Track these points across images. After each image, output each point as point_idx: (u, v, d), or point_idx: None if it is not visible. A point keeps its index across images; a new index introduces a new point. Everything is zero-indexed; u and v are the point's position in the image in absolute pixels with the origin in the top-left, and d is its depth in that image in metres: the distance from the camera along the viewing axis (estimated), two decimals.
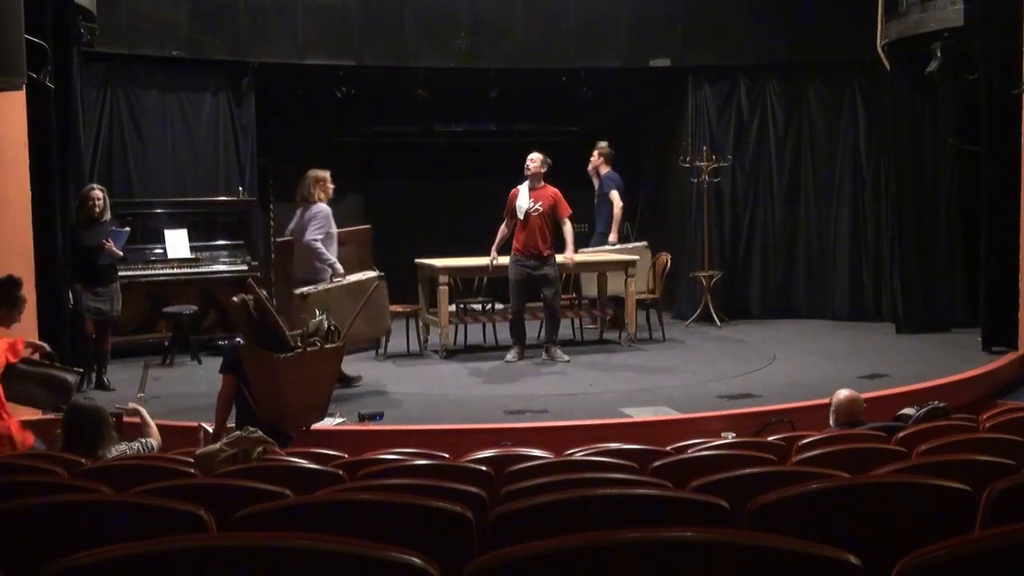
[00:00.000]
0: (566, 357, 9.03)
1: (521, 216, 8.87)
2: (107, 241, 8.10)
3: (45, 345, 6.15)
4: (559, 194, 9.07)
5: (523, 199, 8.95)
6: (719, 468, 3.25)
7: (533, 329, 9.50)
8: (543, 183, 9.02)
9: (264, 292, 5.93)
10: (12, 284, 5.99)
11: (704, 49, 11.61)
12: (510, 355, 9.04)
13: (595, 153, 11.10)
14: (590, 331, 10.41)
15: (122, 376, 8.06)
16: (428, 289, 9.65)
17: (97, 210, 8.07)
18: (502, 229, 9.12)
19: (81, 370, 6.44)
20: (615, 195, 10.67)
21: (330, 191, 8.14)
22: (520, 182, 9.08)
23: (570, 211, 9.12)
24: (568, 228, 9.10)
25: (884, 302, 11.20)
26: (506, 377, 8.53)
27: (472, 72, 11.48)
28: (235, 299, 5.74)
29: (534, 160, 9.00)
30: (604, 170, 10.97)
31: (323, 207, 7.96)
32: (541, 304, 9.17)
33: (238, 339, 5.91)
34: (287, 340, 5.78)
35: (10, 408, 5.65)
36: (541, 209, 8.87)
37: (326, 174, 8.14)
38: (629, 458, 3.82)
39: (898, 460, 3.53)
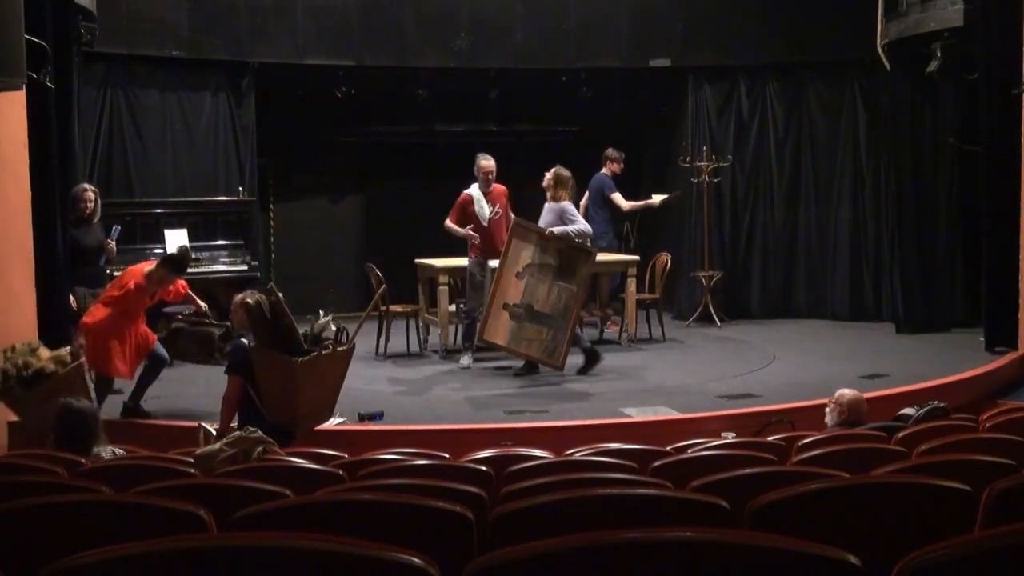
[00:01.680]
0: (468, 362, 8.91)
1: (485, 223, 8.77)
2: (110, 241, 8.06)
3: (203, 304, 7.39)
4: (506, 190, 9.06)
5: (482, 205, 8.83)
6: (719, 468, 3.24)
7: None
8: (492, 184, 8.97)
9: (280, 295, 5.90)
10: (187, 258, 7.24)
11: (704, 49, 11.61)
12: (466, 359, 8.83)
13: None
14: (587, 331, 10.41)
15: None
16: (428, 289, 9.65)
17: (89, 210, 8.03)
18: (458, 229, 8.79)
19: (228, 324, 6.93)
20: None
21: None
22: (469, 183, 8.96)
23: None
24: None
25: (884, 302, 11.20)
26: (506, 377, 8.53)
27: (472, 72, 11.49)
28: (249, 300, 5.71)
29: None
30: None
31: None
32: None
33: (242, 339, 5.88)
34: (301, 343, 5.76)
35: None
36: (500, 212, 8.90)
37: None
38: (629, 458, 3.82)
39: (898, 460, 3.53)
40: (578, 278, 8.13)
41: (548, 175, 8.57)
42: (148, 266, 7.05)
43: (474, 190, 8.89)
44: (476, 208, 8.80)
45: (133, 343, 6.93)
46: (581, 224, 8.37)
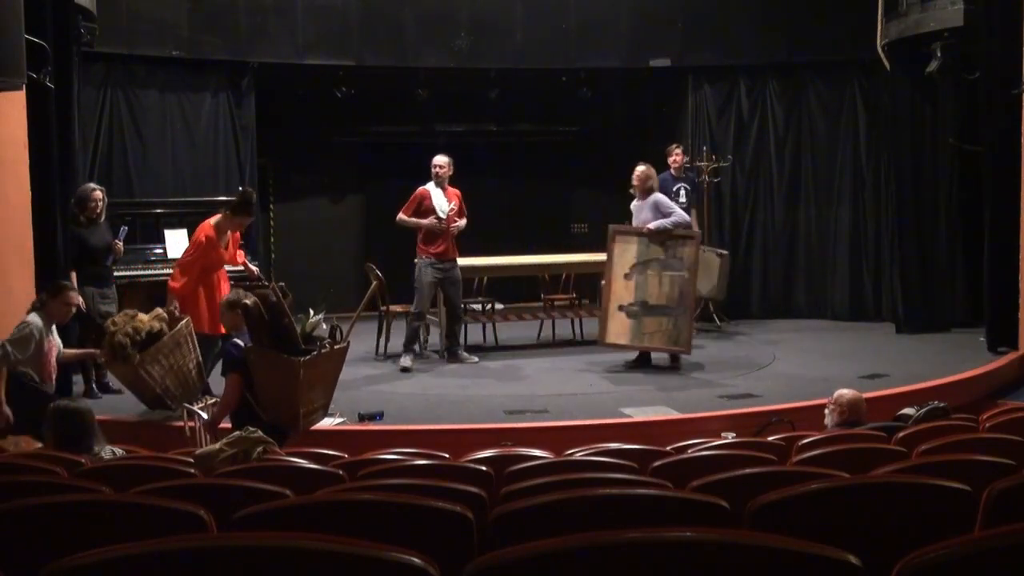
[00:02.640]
0: (475, 358, 9.10)
1: (443, 215, 8.78)
2: (118, 241, 8.03)
3: (255, 269, 8.03)
4: (459, 192, 9.07)
5: (440, 201, 8.83)
6: (719, 468, 3.24)
7: (524, 329, 9.40)
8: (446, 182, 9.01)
9: (280, 295, 5.88)
10: (248, 194, 7.57)
11: (704, 49, 11.61)
12: (407, 360, 8.81)
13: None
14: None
15: None
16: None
17: (98, 211, 8.01)
18: (420, 220, 8.79)
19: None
20: None
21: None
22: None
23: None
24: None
25: (884, 302, 11.20)
26: (506, 377, 8.53)
27: (472, 72, 11.49)
28: (247, 301, 5.71)
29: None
30: None
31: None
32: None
33: (236, 339, 5.87)
34: (299, 343, 5.75)
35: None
36: (456, 206, 8.91)
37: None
38: (629, 458, 3.82)
39: (898, 460, 3.53)
40: (687, 263, 8.42)
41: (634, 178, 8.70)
42: (214, 218, 7.41)
43: (430, 186, 8.92)
44: (434, 203, 8.83)
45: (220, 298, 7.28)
46: (677, 216, 8.53)
